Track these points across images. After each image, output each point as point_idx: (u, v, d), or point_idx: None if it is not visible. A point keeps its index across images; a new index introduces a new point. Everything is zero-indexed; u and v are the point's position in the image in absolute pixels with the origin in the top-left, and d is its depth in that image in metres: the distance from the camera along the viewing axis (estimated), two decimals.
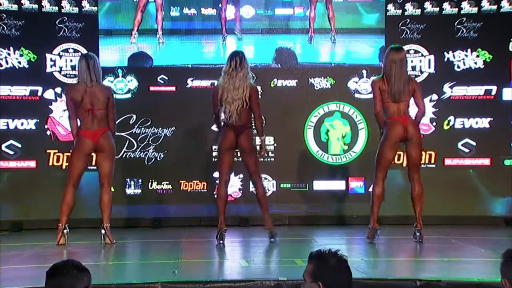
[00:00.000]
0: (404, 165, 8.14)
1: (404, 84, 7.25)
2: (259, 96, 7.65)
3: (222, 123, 7.37)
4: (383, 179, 7.35)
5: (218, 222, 7.37)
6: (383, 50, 8.22)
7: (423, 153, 9.19)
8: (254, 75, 8.74)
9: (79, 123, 7.42)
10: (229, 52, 8.06)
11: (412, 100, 7.41)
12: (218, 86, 7.39)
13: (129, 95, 9.32)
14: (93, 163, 7.99)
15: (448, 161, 9.40)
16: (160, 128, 9.31)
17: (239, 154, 7.73)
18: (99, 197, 7.45)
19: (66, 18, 9.19)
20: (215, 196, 7.58)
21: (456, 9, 9.40)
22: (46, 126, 9.14)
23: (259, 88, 7.68)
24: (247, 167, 7.49)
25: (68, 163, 7.92)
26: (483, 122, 9.40)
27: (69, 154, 7.76)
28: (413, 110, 7.50)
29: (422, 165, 9.10)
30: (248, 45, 9.44)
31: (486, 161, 9.39)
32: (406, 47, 9.32)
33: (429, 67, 9.42)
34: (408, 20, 9.42)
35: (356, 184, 9.38)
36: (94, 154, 7.66)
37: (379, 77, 7.40)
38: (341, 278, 2.99)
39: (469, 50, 9.39)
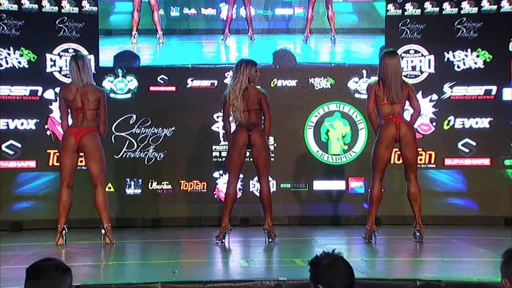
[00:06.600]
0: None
1: (400, 87, 7.27)
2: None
3: (235, 126, 7.44)
4: (381, 179, 7.34)
5: (222, 221, 7.36)
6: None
7: (423, 153, 9.24)
8: None
9: (70, 123, 7.43)
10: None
11: (407, 104, 7.43)
12: (227, 95, 7.40)
13: (129, 95, 9.31)
14: (82, 163, 7.95)
15: (448, 161, 9.40)
16: (160, 128, 9.31)
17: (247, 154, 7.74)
18: (94, 199, 7.42)
19: (66, 18, 9.19)
20: (221, 194, 7.55)
21: (456, 9, 9.40)
22: (46, 126, 9.14)
23: (259, 87, 7.68)
24: (256, 164, 7.46)
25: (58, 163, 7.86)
26: (483, 122, 9.40)
27: None
28: (408, 113, 7.49)
29: (423, 165, 9.16)
30: (248, 45, 9.45)
31: (486, 161, 9.38)
32: (406, 47, 9.39)
33: (429, 67, 9.42)
34: (408, 20, 9.42)
35: (356, 184, 9.38)
36: (82, 155, 7.56)
37: (375, 81, 7.41)
38: (336, 276, 3.00)
39: (469, 50, 9.39)
